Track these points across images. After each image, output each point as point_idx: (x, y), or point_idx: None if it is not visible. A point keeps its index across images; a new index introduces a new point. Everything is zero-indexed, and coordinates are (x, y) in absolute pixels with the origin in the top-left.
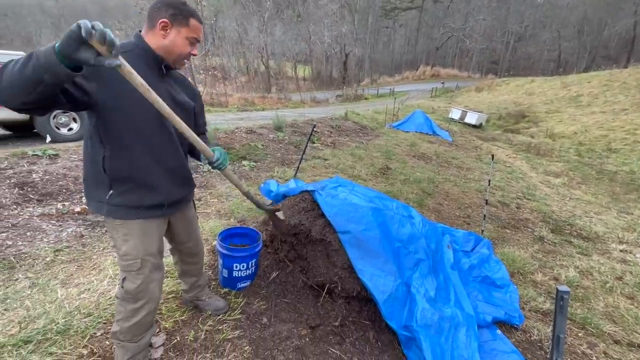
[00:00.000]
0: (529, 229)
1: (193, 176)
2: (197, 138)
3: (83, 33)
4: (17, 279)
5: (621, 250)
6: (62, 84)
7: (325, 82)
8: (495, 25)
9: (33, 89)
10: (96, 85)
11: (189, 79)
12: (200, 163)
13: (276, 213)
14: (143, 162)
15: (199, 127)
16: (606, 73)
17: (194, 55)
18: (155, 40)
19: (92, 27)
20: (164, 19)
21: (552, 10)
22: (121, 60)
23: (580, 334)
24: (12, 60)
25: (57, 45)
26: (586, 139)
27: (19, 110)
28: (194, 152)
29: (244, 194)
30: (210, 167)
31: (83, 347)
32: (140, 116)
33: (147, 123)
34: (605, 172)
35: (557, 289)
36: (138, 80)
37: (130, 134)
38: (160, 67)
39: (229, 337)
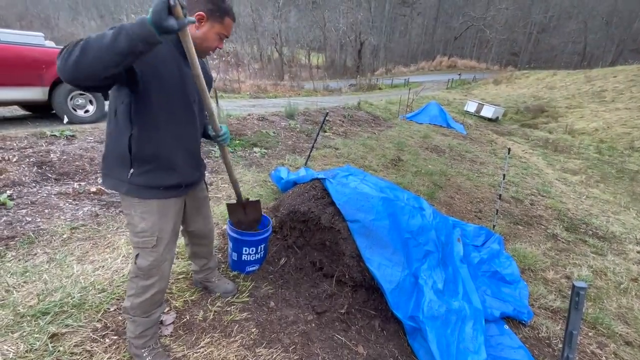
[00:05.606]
0: (543, 226)
1: (205, 161)
2: (214, 112)
3: (171, 2)
4: (35, 254)
5: (638, 252)
6: (147, 54)
7: (339, 71)
8: (517, 14)
9: (122, 60)
10: (142, 63)
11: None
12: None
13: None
14: (169, 142)
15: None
16: (634, 67)
17: (220, 48)
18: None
19: None
20: (201, 12)
21: None
22: (189, 19)
23: (590, 334)
24: (85, 38)
25: (148, 17)
26: (608, 136)
27: (86, 89)
28: (204, 132)
29: (232, 180)
30: (213, 140)
31: (97, 321)
32: (175, 97)
33: (179, 104)
34: (626, 171)
35: (574, 285)
36: (192, 45)
37: (163, 115)
38: None
39: (237, 318)
